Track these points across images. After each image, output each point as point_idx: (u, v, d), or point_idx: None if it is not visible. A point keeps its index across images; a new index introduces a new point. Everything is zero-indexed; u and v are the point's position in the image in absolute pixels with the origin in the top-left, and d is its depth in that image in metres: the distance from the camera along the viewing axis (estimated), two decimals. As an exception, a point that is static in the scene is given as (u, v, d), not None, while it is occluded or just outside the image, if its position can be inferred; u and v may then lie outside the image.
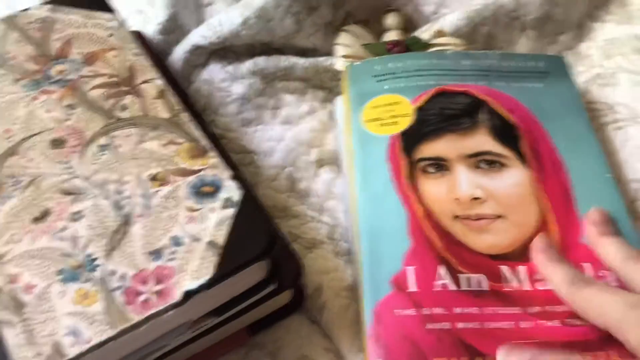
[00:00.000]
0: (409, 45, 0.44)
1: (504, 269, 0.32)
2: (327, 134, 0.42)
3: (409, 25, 0.47)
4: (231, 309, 0.30)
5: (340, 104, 0.43)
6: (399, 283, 0.32)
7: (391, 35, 0.45)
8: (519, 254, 0.33)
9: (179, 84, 0.44)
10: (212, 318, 0.29)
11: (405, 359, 0.30)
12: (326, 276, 0.36)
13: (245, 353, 0.34)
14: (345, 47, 0.45)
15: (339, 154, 0.41)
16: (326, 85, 0.45)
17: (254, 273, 0.30)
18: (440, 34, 0.44)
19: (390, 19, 0.46)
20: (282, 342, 0.34)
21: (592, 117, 0.41)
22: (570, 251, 0.33)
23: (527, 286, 0.32)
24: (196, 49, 0.44)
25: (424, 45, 0.44)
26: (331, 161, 0.41)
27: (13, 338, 0.26)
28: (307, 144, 0.41)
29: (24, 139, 0.32)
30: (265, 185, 0.39)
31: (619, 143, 0.40)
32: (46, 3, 0.39)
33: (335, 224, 0.38)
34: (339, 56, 0.44)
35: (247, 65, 0.43)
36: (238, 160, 0.40)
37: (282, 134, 0.41)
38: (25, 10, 0.38)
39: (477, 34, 0.44)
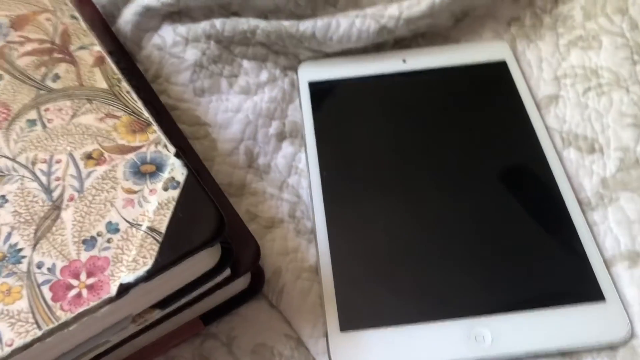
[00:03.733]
0: None
1: None
2: (289, 105, 0.39)
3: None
4: (179, 300, 0.27)
5: (304, 71, 0.40)
6: None
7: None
8: None
9: (128, 51, 0.40)
10: (157, 311, 0.27)
11: None
12: (286, 257, 0.34)
13: (200, 343, 0.31)
14: None
15: (302, 125, 0.38)
16: (289, 51, 0.41)
17: (202, 261, 0.27)
18: None
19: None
20: (238, 330, 0.32)
21: (573, 82, 0.39)
22: None
23: None
24: (147, 11, 0.40)
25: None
26: (293, 134, 0.38)
27: None
28: (267, 115, 0.38)
29: (-58, 114, 0.29)
30: (221, 161, 0.36)
31: (602, 108, 0.37)
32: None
33: (297, 201, 0.36)
34: None
35: (203, 26, 0.39)
36: (191, 133, 0.37)
37: (239, 104, 0.38)
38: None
39: None
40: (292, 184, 0.36)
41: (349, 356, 0.30)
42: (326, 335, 0.31)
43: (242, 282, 0.31)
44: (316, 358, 0.31)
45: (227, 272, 0.29)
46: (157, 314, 0.27)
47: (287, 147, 0.38)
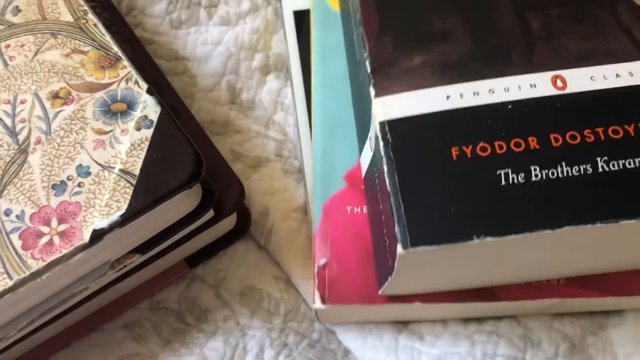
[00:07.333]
0: None
1: None
2: (273, 36, 0.37)
3: None
4: (159, 244, 0.26)
5: (288, -2, 0.37)
6: (354, 179, 0.29)
7: None
8: None
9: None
10: (137, 256, 0.26)
11: (353, 260, 0.27)
12: (273, 197, 0.32)
13: (187, 286, 0.30)
14: None
15: (287, 58, 0.36)
16: (272, -23, 0.38)
17: (182, 203, 0.26)
18: None
19: None
20: (226, 272, 0.31)
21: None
22: None
23: None
24: (114, -63, 0.37)
25: None
26: (279, 67, 0.36)
27: None
28: (250, 47, 0.36)
29: None
30: (202, 97, 0.35)
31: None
32: None
33: (283, 139, 0.34)
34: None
35: (175, -46, 0.36)
36: (169, 69, 0.35)
37: (219, 36, 0.36)
38: None
39: None
40: (278, 121, 0.35)
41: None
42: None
43: (227, 224, 0.30)
44: (306, 299, 0.30)
45: (210, 213, 0.28)
46: (137, 259, 0.26)
47: (272, 82, 0.36)
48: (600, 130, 0.23)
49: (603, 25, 0.25)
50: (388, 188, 0.23)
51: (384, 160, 0.23)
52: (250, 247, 0.31)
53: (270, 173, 0.33)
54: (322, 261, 0.27)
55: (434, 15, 0.26)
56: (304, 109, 0.34)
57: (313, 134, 0.31)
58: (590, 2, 0.26)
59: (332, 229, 0.28)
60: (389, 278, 0.24)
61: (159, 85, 0.32)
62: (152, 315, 0.29)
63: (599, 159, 0.23)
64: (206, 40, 0.36)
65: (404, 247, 0.22)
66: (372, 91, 0.24)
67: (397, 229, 0.22)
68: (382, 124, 0.24)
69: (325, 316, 0.28)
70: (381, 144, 0.23)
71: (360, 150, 0.28)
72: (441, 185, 0.22)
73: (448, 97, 0.24)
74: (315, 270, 0.27)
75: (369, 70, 0.25)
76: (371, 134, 0.25)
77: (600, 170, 0.22)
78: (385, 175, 0.23)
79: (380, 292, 0.26)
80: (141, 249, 0.26)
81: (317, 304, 0.26)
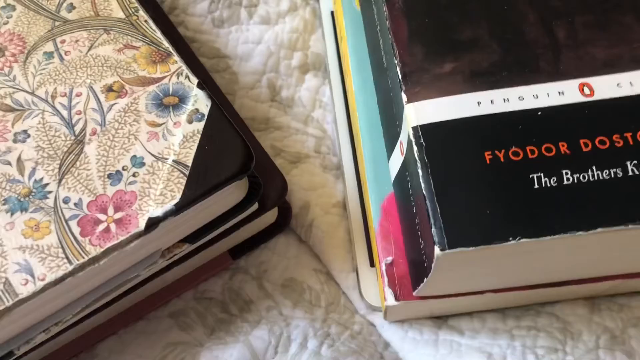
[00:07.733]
0: None
1: None
2: (311, 35, 0.38)
3: None
4: (208, 234, 0.27)
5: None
6: None
7: None
8: None
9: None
10: (186, 245, 0.26)
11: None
12: (313, 192, 0.33)
13: (229, 278, 0.31)
14: None
15: (326, 57, 0.37)
16: (310, -22, 0.39)
17: (230, 194, 0.26)
18: None
19: None
20: (268, 264, 0.31)
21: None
22: None
23: None
24: (158, -62, 0.38)
25: None
26: (317, 66, 0.37)
27: (-46, 278, 0.23)
28: (289, 46, 0.37)
29: (-44, 48, 0.28)
30: (243, 94, 0.35)
31: None
32: None
33: (322, 136, 0.35)
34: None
35: (218, -46, 0.37)
36: (212, 67, 0.36)
37: (260, 35, 0.37)
38: None
39: None
40: (316, 118, 0.35)
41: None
42: (356, 270, 0.31)
43: (269, 217, 0.31)
44: (346, 292, 0.31)
45: (254, 206, 0.28)
46: (187, 248, 0.27)
47: (310, 80, 0.36)
48: (628, 135, 0.24)
49: (628, 31, 0.25)
50: (424, 192, 0.23)
51: (419, 164, 0.24)
52: (291, 240, 0.32)
53: (310, 169, 0.34)
54: (389, 259, 0.28)
55: (462, 23, 0.26)
56: (342, 107, 0.35)
57: (361, 137, 0.31)
58: (615, 9, 0.26)
59: (393, 227, 0.28)
60: (425, 279, 0.24)
61: (203, 81, 0.32)
62: (197, 305, 0.30)
63: (628, 162, 0.23)
64: (247, 39, 0.37)
65: (442, 248, 0.22)
66: (404, 97, 0.25)
67: (434, 231, 0.22)
68: (415, 128, 0.24)
69: (395, 313, 0.28)
70: (415, 148, 0.24)
71: (389, 154, 0.29)
72: (476, 188, 0.23)
73: (479, 104, 0.24)
74: (383, 268, 0.27)
75: (400, 76, 0.25)
76: (402, 138, 0.26)
77: (630, 173, 0.23)
78: (421, 179, 0.23)
79: (414, 294, 0.27)
80: (191, 238, 0.26)
81: (390, 301, 0.27)
